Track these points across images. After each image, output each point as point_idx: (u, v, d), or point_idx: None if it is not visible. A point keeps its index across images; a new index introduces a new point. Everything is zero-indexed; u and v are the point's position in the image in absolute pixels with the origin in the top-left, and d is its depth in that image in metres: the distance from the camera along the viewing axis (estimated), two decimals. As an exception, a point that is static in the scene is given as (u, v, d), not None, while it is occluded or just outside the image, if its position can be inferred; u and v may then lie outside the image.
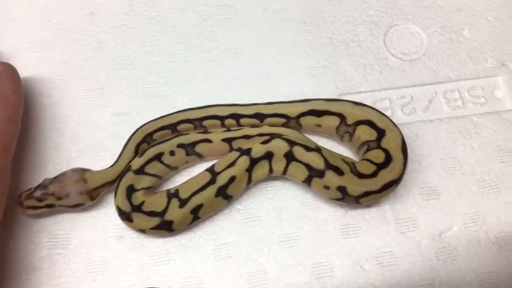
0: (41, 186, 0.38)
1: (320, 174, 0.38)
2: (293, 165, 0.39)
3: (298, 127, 0.42)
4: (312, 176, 0.38)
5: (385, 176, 0.38)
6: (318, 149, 0.39)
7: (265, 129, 0.41)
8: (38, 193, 0.38)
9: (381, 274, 0.40)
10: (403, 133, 0.43)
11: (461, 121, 0.45)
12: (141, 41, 0.47)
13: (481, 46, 0.49)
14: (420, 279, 0.40)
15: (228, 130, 0.42)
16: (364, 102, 0.45)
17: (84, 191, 0.38)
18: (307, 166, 0.38)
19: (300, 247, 0.40)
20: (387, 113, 0.45)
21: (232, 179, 0.38)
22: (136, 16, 0.48)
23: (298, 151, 0.38)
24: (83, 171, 0.39)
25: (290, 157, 0.39)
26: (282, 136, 0.39)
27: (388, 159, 0.39)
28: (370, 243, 0.41)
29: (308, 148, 0.38)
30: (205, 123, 0.42)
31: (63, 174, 0.39)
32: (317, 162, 0.38)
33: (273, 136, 0.40)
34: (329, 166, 0.38)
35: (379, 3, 0.50)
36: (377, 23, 0.49)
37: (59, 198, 0.38)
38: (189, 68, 0.46)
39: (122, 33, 0.47)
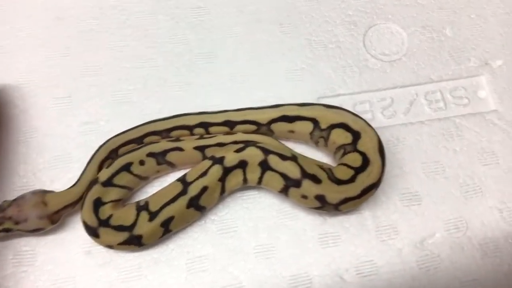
0: None
1: (297, 183, 0.36)
2: (268, 174, 0.37)
3: (270, 134, 0.41)
4: (288, 186, 0.37)
5: (363, 180, 0.37)
6: (294, 157, 0.37)
7: (239, 136, 0.40)
8: None
9: (361, 285, 0.38)
10: (384, 137, 0.42)
11: (443, 123, 0.44)
12: (111, 46, 0.45)
13: (464, 45, 0.47)
14: (402, 289, 0.38)
15: (201, 137, 0.40)
16: (344, 105, 0.44)
17: (44, 215, 0.36)
18: (283, 175, 0.37)
19: (277, 258, 0.39)
20: (367, 116, 0.44)
21: (205, 189, 0.37)
22: (105, 20, 0.46)
23: (273, 160, 0.37)
24: (44, 193, 0.37)
25: (265, 166, 0.37)
26: (257, 144, 0.38)
27: (366, 162, 0.38)
28: (350, 252, 0.39)
29: (283, 157, 0.37)
30: (173, 133, 0.40)
31: (22, 197, 0.37)
32: (293, 171, 0.36)
33: (247, 144, 0.38)
34: (305, 175, 0.36)
35: (358, 3, 0.49)
36: (356, 23, 0.48)
37: (17, 223, 0.36)
38: (161, 73, 0.44)
39: (90, 38, 0.45)
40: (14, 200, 0.37)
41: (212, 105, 0.43)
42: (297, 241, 0.39)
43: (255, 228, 0.40)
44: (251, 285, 0.38)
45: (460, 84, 0.46)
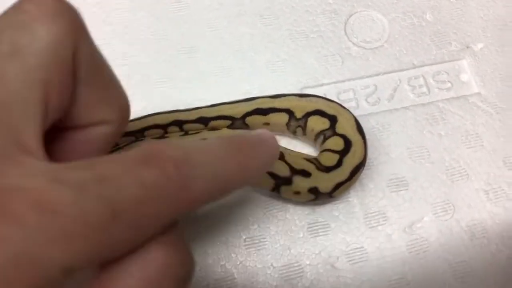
0: None
1: (287, 181, 0.36)
2: None
3: (246, 127, 0.41)
4: (279, 185, 0.37)
5: (350, 162, 0.37)
6: (281, 156, 0.37)
7: (224, 132, 0.40)
8: None
9: (352, 271, 0.38)
10: (369, 124, 0.42)
11: (427, 108, 0.44)
12: (91, 44, 0.45)
13: (444, 29, 0.48)
14: (393, 274, 0.38)
15: (186, 134, 0.40)
16: (328, 95, 0.44)
17: None
18: (272, 175, 0.37)
19: (268, 249, 0.39)
20: (351, 104, 0.44)
21: None
22: (84, 19, 0.45)
23: None
24: None
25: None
26: None
27: (348, 143, 0.38)
28: (340, 240, 0.39)
29: None
30: (146, 133, 0.40)
31: None
32: (282, 169, 0.36)
33: None
34: (294, 171, 0.36)
35: (338, -9, 0.49)
36: (337, 12, 0.48)
37: None
38: (144, 70, 0.44)
39: (70, 38, 0.45)
40: None
41: (198, 100, 0.42)
42: (287, 231, 0.39)
43: (245, 220, 0.40)
44: (243, 278, 0.38)
45: (443, 68, 0.46)
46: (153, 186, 0.16)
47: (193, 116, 0.40)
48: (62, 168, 0.15)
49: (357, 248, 0.39)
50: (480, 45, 0.47)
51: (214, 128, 0.40)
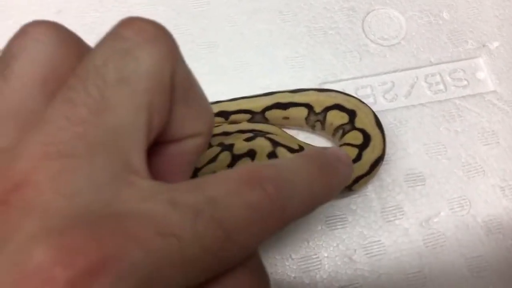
0: None
1: None
2: None
3: (265, 121, 0.41)
4: None
5: (369, 156, 0.38)
6: (301, 149, 0.38)
7: (244, 125, 0.40)
8: None
9: (369, 264, 0.39)
10: (386, 120, 0.43)
11: (444, 105, 0.45)
12: (113, 38, 0.45)
13: (461, 28, 0.48)
14: (410, 267, 0.39)
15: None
16: (346, 90, 0.44)
17: None
18: None
19: (286, 242, 0.39)
20: (369, 100, 0.44)
21: None
22: (107, 13, 0.46)
23: (281, 153, 0.37)
24: None
25: (273, 158, 0.38)
26: (266, 135, 0.38)
27: (367, 138, 0.39)
28: (357, 233, 0.40)
29: (291, 150, 0.37)
30: None
31: None
32: None
33: (256, 134, 0.39)
34: None
35: (356, -12, 0.49)
36: (355, 9, 0.48)
37: None
38: (164, 64, 0.45)
39: (92, 31, 0.45)
40: None
41: (216, 93, 0.43)
42: (305, 224, 0.40)
43: (263, 213, 0.40)
44: (262, 269, 0.38)
45: (459, 66, 0.46)
46: (257, 206, 0.16)
47: (214, 109, 0.41)
48: (174, 190, 0.16)
49: (374, 242, 0.40)
50: (496, 44, 0.47)
51: (233, 122, 0.41)
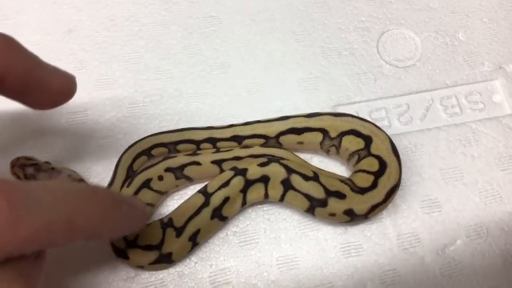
0: (37, 166, 0.36)
1: (322, 203, 0.36)
2: (291, 193, 0.37)
3: (279, 146, 0.41)
4: (314, 206, 0.37)
5: (385, 183, 0.37)
6: (316, 177, 0.37)
7: (256, 150, 0.40)
8: (29, 170, 0.35)
9: (385, 294, 0.38)
10: (401, 144, 0.42)
11: (460, 129, 0.44)
12: (125, 58, 0.45)
13: (477, 49, 0.47)
14: (426, 297, 0.38)
15: (218, 151, 0.40)
16: (360, 113, 0.44)
17: None
18: (307, 196, 0.36)
19: (300, 269, 0.39)
20: (384, 123, 0.44)
21: (226, 199, 0.37)
22: (118, 32, 0.46)
23: (295, 180, 0.37)
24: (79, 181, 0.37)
25: (287, 185, 0.37)
26: (280, 161, 0.38)
27: (383, 165, 0.38)
28: (372, 261, 0.39)
29: (306, 177, 0.37)
30: (179, 147, 0.40)
31: (58, 172, 0.36)
32: (317, 191, 0.36)
33: (270, 159, 0.38)
34: (329, 193, 0.36)
35: (370, 8, 0.49)
36: (369, 29, 0.48)
37: None
38: (176, 85, 0.44)
39: (104, 51, 0.45)
40: (52, 169, 0.36)
41: (229, 116, 0.43)
42: (319, 251, 0.39)
43: (277, 239, 0.39)
44: (275, 297, 0.38)
45: (475, 88, 0.46)
46: None
47: (228, 134, 0.40)
48: None
49: (389, 270, 0.39)
50: (512, 66, 0.47)
51: (247, 147, 0.40)
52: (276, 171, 0.37)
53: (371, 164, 0.38)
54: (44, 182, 0.21)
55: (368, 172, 0.38)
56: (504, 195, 0.41)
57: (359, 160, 0.39)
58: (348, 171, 0.41)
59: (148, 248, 0.36)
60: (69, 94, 0.28)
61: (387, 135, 0.39)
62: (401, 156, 0.40)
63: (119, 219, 0.25)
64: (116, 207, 0.24)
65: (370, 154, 0.39)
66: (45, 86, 0.27)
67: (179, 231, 0.36)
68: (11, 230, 0.18)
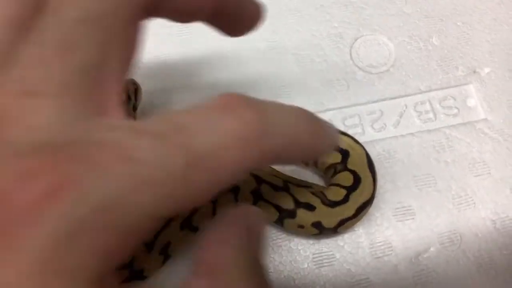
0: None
1: (291, 214, 0.36)
2: (261, 205, 0.37)
3: None
4: (283, 217, 0.36)
5: (357, 199, 0.37)
6: (286, 187, 0.37)
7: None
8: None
9: (358, 304, 0.38)
10: (375, 151, 0.42)
11: (434, 135, 0.43)
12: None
13: (451, 54, 0.47)
14: (399, 306, 0.38)
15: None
16: (333, 120, 0.43)
17: None
18: (276, 207, 0.36)
19: (272, 280, 0.38)
20: (357, 130, 0.43)
21: (195, 210, 0.36)
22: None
23: (265, 190, 0.36)
24: None
25: (257, 196, 0.37)
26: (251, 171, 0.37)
27: (357, 180, 0.38)
28: (345, 271, 0.39)
29: (275, 187, 0.36)
30: None
31: None
32: (286, 202, 0.36)
33: None
34: (299, 204, 0.36)
35: (343, 14, 0.48)
36: (342, 36, 0.47)
37: None
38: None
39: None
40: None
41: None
42: (292, 262, 0.39)
43: (249, 250, 0.39)
44: (247, 309, 0.37)
45: (449, 93, 0.45)
46: (231, 133, 0.16)
47: None
48: (141, 121, 0.16)
49: (362, 279, 0.38)
50: (487, 70, 0.46)
51: None
52: (246, 181, 0.37)
53: (346, 178, 0.38)
54: (277, 103, 0.20)
55: (341, 186, 0.38)
56: (478, 201, 0.41)
57: (335, 173, 0.39)
58: (325, 184, 0.41)
59: (119, 267, 0.35)
60: (260, 20, 0.28)
61: (364, 149, 0.39)
62: (374, 163, 0.39)
63: (326, 140, 0.22)
64: (324, 129, 0.22)
65: (346, 168, 0.38)
66: (241, 13, 0.26)
67: (149, 246, 0.36)
68: (260, 144, 0.17)
